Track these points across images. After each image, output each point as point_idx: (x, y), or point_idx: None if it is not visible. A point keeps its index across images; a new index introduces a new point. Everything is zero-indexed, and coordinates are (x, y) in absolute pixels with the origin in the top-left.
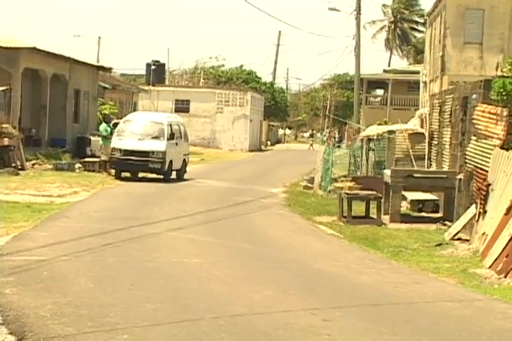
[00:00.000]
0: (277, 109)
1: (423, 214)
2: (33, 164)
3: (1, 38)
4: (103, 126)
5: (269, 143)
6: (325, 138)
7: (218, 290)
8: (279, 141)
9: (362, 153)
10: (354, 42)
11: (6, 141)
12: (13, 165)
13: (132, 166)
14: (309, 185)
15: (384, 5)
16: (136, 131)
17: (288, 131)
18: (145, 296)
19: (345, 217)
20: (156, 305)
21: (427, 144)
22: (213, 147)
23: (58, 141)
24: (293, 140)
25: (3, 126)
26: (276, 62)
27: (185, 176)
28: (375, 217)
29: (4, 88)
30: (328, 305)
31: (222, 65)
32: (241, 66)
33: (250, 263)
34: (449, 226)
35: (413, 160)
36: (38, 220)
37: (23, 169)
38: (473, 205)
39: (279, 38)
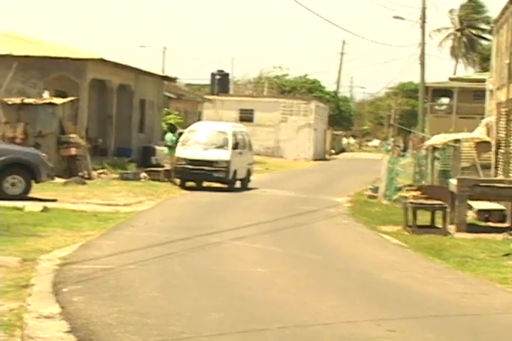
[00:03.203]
0: (341, 117)
1: (489, 223)
2: (100, 173)
3: (69, 49)
4: (169, 136)
5: (333, 152)
6: (389, 147)
7: (283, 299)
8: (343, 150)
9: (427, 162)
10: (419, 50)
11: (73, 151)
12: (80, 174)
13: (197, 175)
14: (374, 194)
15: (451, 11)
16: (201, 141)
17: (352, 140)
18: (210, 305)
19: (410, 227)
20: (221, 315)
21: (493, 153)
22: (277, 156)
23: (124, 151)
24: (357, 149)
25: (71, 136)
26: (340, 71)
27: (250, 185)
28: (440, 226)
29: (72, 98)
30: (393, 316)
31: (287, 74)
32: (305, 75)
33: (315, 273)
34: None
35: (479, 169)
36: (105, 229)
37: (89, 178)
38: None
39: (343, 46)
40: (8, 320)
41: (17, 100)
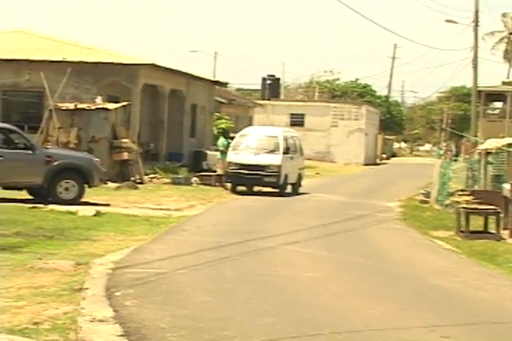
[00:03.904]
0: (393, 122)
1: None
2: (151, 178)
3: (121, 54)
4: (221, 141)
5: (384, 156)
6: (441, 152)
7: (334, 304)
8: (394, 155)
9: (480, 167)
10: (472, 54)
11: (125, 156)
12: (132, 179)
13: (248, 180)
14: (426, 199)
15: (503, 15)
16: (252, 145)
17: (403, 145)
18: (262, 310)
19: (462, 232)
20: (273, 319)
21: None
22: (328, 161)
23: (175, 155)
24: (408, 153)
25: (123, 140)
26: (391, 76)
27: (301, 190)
28: (493, 231)
29: (124, 104)
30: (446, 322)
31: (338, 79)
32: (356, 79)
33: (366, 278)
34: None
35: None
36: (156, 233)
37: (141, 183)
38: None
39: (395, 51)
40: (62, 323)
41: (70, 105)
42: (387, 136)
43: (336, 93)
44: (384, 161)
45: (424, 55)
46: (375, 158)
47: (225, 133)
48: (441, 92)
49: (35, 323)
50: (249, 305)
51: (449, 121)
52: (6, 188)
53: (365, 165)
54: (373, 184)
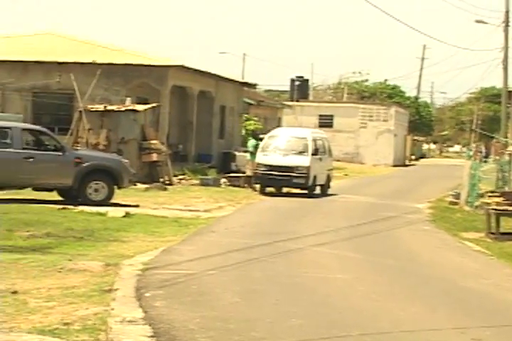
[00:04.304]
0: (422, 123)
1: None
2: (180, 179)
3: (150, 56)
4: (251, 142)
5: (413, 157)
6: (471, 153)
7: (363, 306)
8: (423, 156)
9: (510, 168)
10: (502, 54)
11: (154, 157)
12: (161, 180)
13: (276, 181)
14: (455, 200)
15: None
16: (281, 147)
17: (432, 146)
18: (291, 311)
19: (493, 234)
20: (302, 321)
21: None
22: (357, 162)
23: (204, 157)
24: (438, 154)
25: (152, 142)
26: (420, 76)
27: (329, 191)
28: None
29: (153, 105)
30: (477, 324)
31: (366, 80)
32: (385, 80)
33: (395, 280)
34: None
35: None
36: (185, 234)
37: (170, 184)
38: None
39: (424, 51)
40: (92, 323)
41: (100, 107)
42: (416, 137)
43: (365, 94)
44: (413, 162)
45: (454, 56)
46: (404, 159)
47: (255, 135)
48: (470, 93)
49: (66, 324)
50: (279, 307)
51: (478, 122)
52: (36, 189)
53: (394, 166)
54: (402, 185)
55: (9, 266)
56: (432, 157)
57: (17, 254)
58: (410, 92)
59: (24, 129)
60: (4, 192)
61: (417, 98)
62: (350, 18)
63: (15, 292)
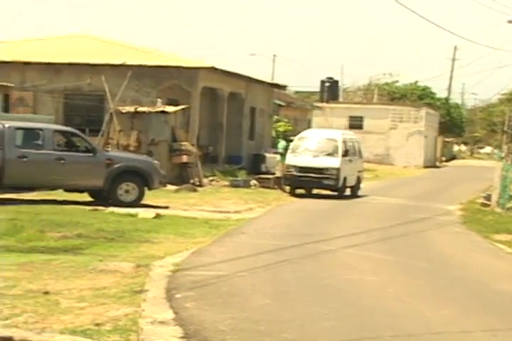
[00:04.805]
0: (452, 124)
1: None
2: (210, 181)
3: (180, 58)
4: (281, 143)
5: (443, 159)
6: (503, 155)
7: (395, 308)
8: (454, 157)
9: None
10: None
11: (184, 158)
12: (192, 181)
13: (306, 183)
14: (487, 202)
15: None
16: (311, 148)
17: (463, 147)
18: (322, 313)
19: None
20: (333, 322)
21: None
22: (387, 163)
23: (234, 158)
24: (468, 156)
25: (183, 143)
26: (451, 78)
27: (360, 193)
28: None
29: (184, 107)
30: (509, 327)
31: (397, 81)
32: (416, 82)
33: (426, 282)
34: None
35: None
36: (216, 236)
37: (200, 186)
38: None
39: (455, 52)
40: (123, 324)
41: (131, 108)
42: (446, 139)
43: (395, 95)
44: (444, 164)
45: (485, 57)
46: (434, 160)
47: (285, 136)
48: (502, 94)
49: (97, 324)
50: (310, 309)
51: (510, 124)
52: (67, 191)
53: (425, 167)
54: (433, 187)
55: (41, 266)
56: (463, 158)
57: (49, 255)
58: (441, 93)
59: (56, 131)
60: (36, 193)
61: (447, 99)
62: (380, 18)
63: (47, 292)
